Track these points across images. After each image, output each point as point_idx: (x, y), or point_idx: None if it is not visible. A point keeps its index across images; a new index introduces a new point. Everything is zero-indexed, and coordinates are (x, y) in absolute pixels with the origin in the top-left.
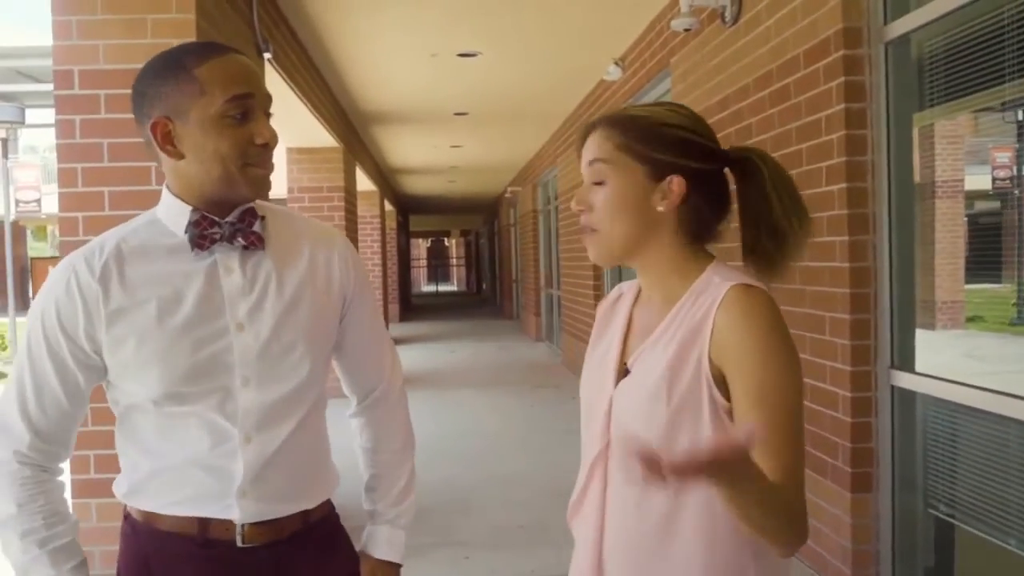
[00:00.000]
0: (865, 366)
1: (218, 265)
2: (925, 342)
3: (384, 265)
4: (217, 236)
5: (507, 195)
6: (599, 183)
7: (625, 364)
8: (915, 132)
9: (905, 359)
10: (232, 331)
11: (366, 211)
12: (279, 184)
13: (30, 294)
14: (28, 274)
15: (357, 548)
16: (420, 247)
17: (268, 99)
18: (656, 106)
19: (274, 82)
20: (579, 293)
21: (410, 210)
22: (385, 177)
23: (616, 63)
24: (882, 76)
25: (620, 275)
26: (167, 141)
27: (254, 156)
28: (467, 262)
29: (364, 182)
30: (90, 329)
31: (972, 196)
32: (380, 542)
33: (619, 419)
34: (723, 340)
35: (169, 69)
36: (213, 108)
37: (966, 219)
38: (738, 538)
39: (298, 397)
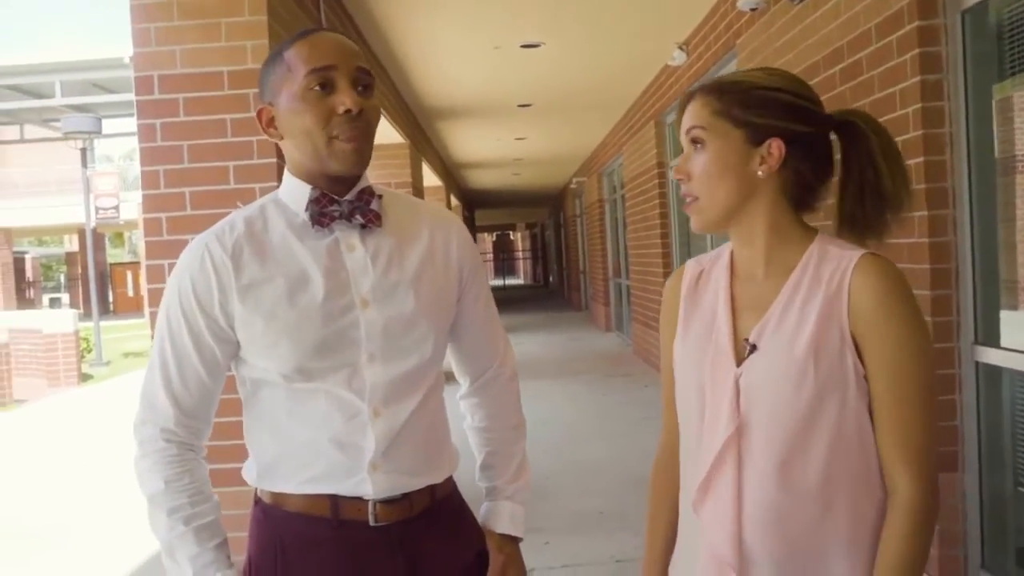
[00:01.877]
0: (948, 343)
1: (340, 243)
2: (1002, 322)
3: None
4: (336, 214)
5: (572, 186)
6: (698, 151)
7: (746, 340)
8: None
9: (990, 334)
10: (358, 307)
11: None
12: None
13: (109, 299)
14: (108, 279)
15: None
16: (486, 241)
17: (358, 70)
18: (753, 70)
19: None
20: (649, 281)
21: (475, 205)
22: (450, 172)
23: (680, 47)
24: (959, 46)
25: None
26: (270, 124)
27: (338, 127)
28: (533, 255)
29: (430, 178)
30: (224, 303)
31: None
32: (503, 517)
33: (753, 396)
34: (861, 308)
35: (271, 58)
36: (296, 84)
37: None
38: (879, 491)
39: (421, 373)
